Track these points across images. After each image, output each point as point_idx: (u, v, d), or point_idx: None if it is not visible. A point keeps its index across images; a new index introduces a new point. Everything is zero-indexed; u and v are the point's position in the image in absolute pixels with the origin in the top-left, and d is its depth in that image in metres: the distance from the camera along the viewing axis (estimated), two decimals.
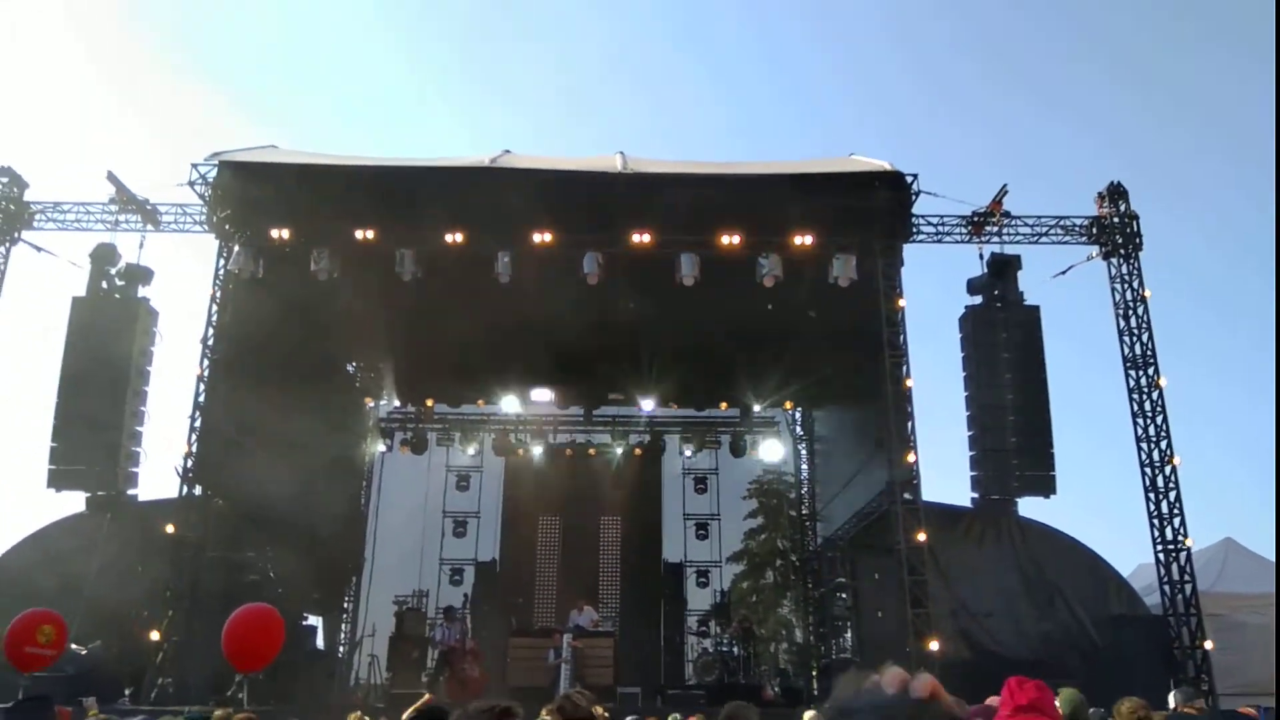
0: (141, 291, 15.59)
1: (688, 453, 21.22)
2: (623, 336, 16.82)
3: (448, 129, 54.43)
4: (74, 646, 11.92)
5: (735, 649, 16.14)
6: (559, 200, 14.00)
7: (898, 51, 53.45)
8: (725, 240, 13.66)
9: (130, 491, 14.89)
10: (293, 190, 14.14)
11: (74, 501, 14.81)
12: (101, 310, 15.27)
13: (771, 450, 21.46)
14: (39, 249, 15.55)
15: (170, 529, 13.15)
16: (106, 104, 47.47)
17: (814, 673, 19.81)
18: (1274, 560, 16.49)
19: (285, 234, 13.84)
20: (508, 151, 14.94)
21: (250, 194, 13.91)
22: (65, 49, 46.61)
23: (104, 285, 15.49)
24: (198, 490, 13.52)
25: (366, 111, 55.08)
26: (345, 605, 19.83)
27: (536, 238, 13.66)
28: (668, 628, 19.57)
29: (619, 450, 20.88)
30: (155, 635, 12.58)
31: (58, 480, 14.62)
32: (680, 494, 21.14)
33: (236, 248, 13.77)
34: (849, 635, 18.04)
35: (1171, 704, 7.19)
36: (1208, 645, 13.40)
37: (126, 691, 12.49)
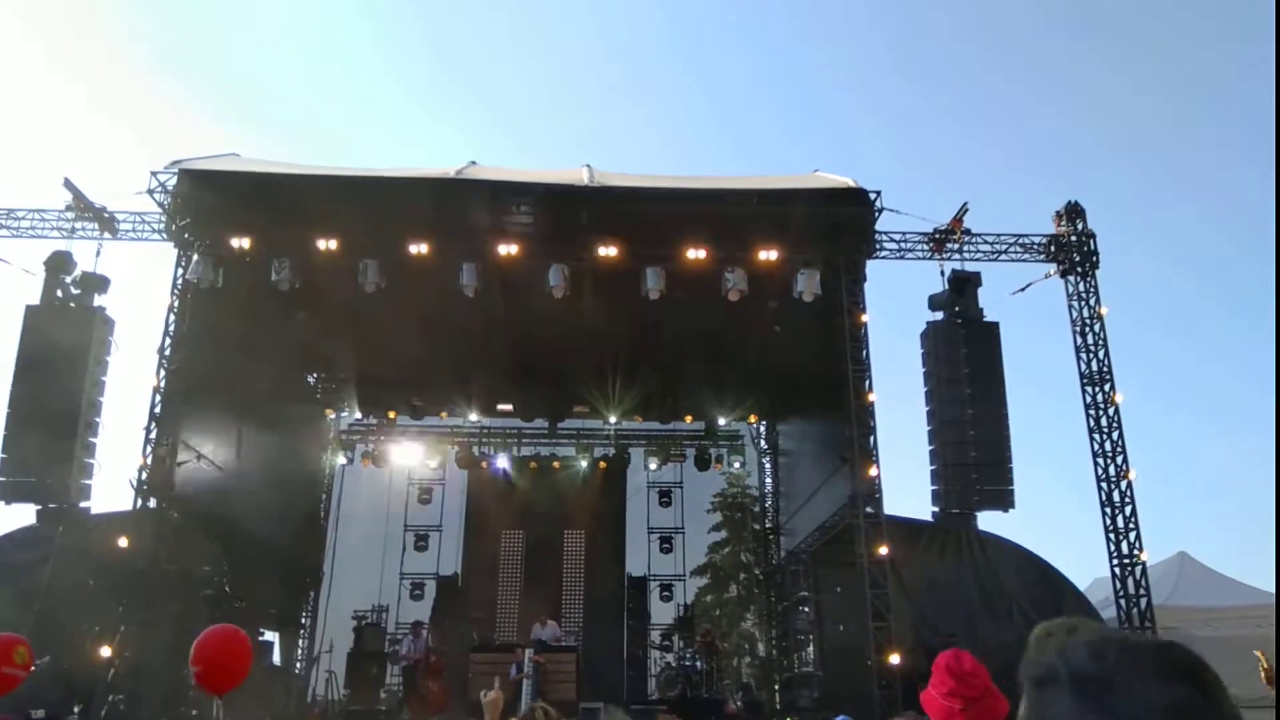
0: (98, 300, 15.27)
1: (652, 466, 21.21)
2: (588, 349, 16.81)
3: (423, 138, 54.15)
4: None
5: (698, 663, 16.13)
6: (525, 212, 13.99)
7: (863, 71, 54.19)
8: (691, 254, 13.71)
9: (83, 504, 14.54)
10: (254, 199, 14.00)
11: (24, 514, 14.46)
12: (56, 319, 14.93)
13: (736, 464, 21.55)
14: None
15: (124, 542, 12.88)
16: (64, 109, 46.69)
17: (776, 686, 19.83)
18: (1228, 575, 16.82)
19: (246, 243, 13.67)
20: (474, 163, 14.91)
21: (210, 202, 13.75)
22: (22, 54, 45.82)
23: (59, 294, 15.15)
24: (152, 503, 13.26)
25: (335, 122, 54.69)
26: (303, 620, 19.53)
27: (502, 249, 13.62)
28: (631, 642, 19.49)
29: (583, 463, 20.84)
30: (107, 651, 12.29)
31: (8, 492, 14.24)
32: (644, 507, 21.12)
33: (195, 257, 13.57)
34: (811, 649, 18.11)
35: None
36: None
37: (76, 709, 12.19)
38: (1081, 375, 15.12)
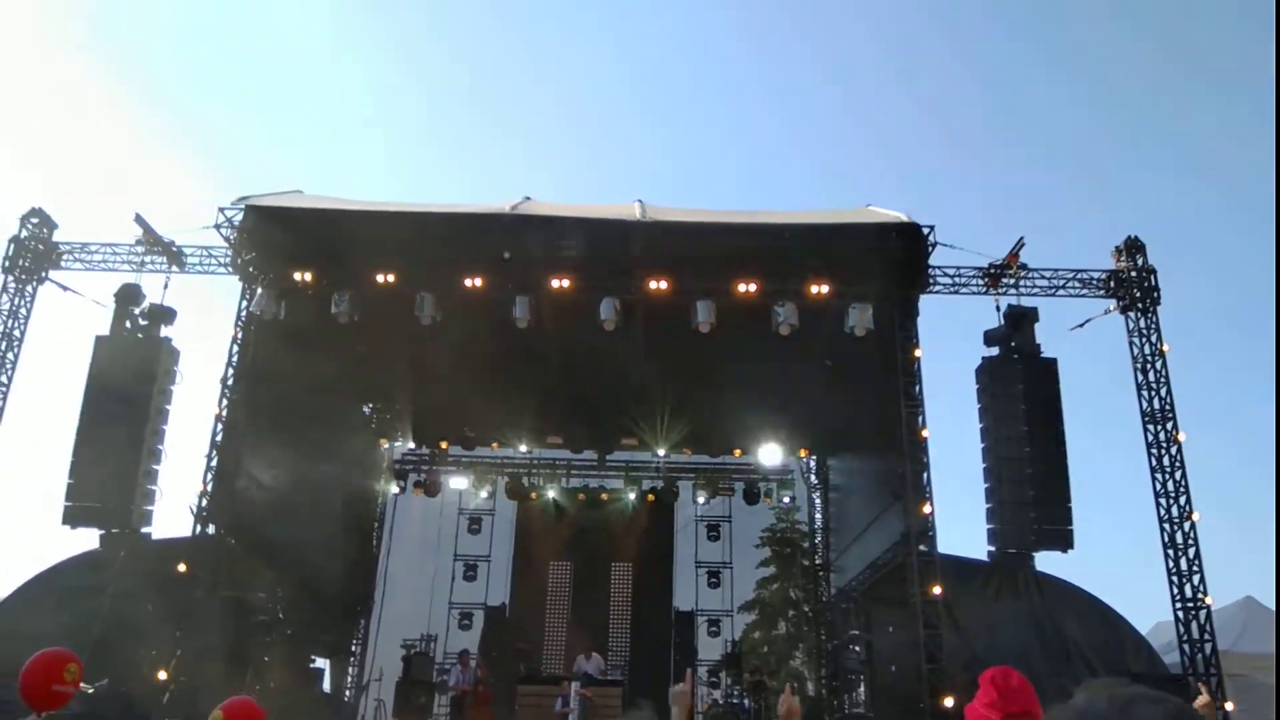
0: (164, 331, 15.77)
1: (701, 499, 21.12)
2: (638, 382, 16.87)
3: (467, 177, 55.12)
4: (81, 685, 11.86)
5: (746, 701, 15.92)
6: (577, 247, 14.16)
7: (915, 105, 54.02)
8: (742, 288, 13.76)
9: (145, 529, 14.93)
10: (316, 234, 14.37)
11: (89, 538, 14.87)
12: (124, 349, 15.42)
13: (785, 498, 21.37)
14: (65, 288, 15.79)
15: (182, 567, 13.16)
16: (138, 145, 48.40)
17: None
18: None
19: (308, 277, 14.04)
20: (528, 198, 15.14)
21: (274, 237, 14.13)
22: (97, 92, 47.71)
23: (127, 325, 15.68)
24: (211, 530, 13.55)
25: (391, 160, 55.93)
26: (353, 648, 19.72)
27: (555, 283, 13.79)
28: (677, 677, 19.31)
29: (631, 496, 20.82)
30: (163, 675, 12.53)
31: (73, 517, 14.67)
32: (693, 541, 21.02)
33: (259, 290, 13.95)
34: (862, 689, 17.76)
35: None
36: (1229, 707, 13.14)
37: None
38: (1143, 413, 14.79)
